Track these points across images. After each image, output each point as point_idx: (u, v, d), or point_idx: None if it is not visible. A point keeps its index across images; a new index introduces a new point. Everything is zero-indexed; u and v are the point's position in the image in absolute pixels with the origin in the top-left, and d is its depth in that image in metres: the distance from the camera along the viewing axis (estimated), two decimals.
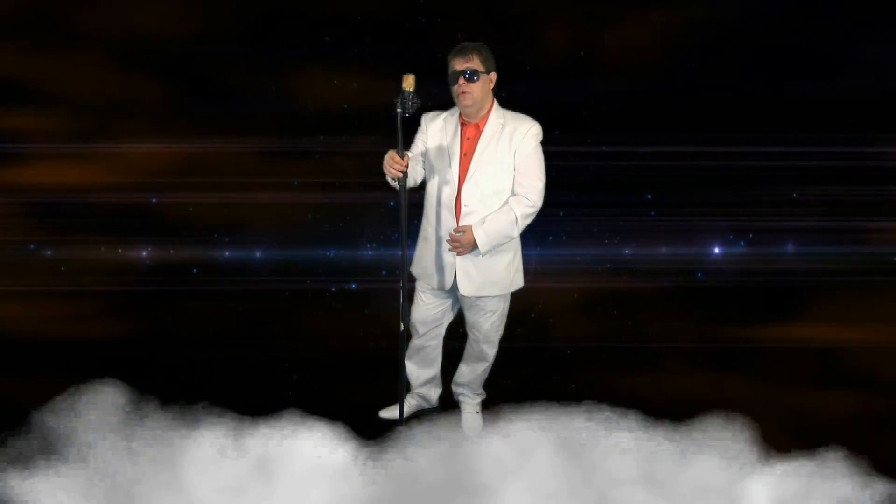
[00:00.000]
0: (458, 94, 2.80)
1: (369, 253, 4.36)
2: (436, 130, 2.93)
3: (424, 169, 2.95)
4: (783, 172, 4.23)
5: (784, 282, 4.24)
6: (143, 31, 4.10)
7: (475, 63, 2.77)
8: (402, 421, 3.05)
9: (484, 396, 3.32)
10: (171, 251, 4.31)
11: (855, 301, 4.13)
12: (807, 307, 4.15)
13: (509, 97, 2.99)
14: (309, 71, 4.18)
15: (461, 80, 2.76)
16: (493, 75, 2.84)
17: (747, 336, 4.01)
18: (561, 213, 4.23)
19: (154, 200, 4.25)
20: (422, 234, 3.03)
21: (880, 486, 2.72)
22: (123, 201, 4.24)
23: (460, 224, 2.86)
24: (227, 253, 4.34)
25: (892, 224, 4.25)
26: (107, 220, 4.26)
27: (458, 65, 2.77)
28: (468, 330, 3.14)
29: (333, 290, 4.34)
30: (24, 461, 2.81)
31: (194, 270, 4.29)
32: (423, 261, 3.02)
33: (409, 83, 2.67)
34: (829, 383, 3.62)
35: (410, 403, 3.28)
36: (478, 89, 2.78)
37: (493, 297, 2.98)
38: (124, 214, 4.27)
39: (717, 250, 4.35)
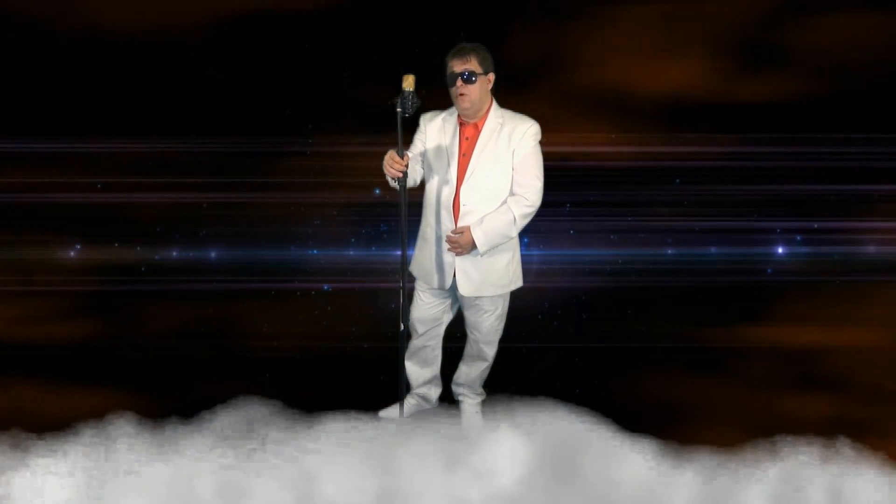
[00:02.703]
0: (456, 96, 2.80)
1: (365, 253, 4.31)
2: (434, 131, 2.93)
3: (423, 169, 2.94)
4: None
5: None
6: (104, 23, 3.99)
7: (473, 65, 2.76)
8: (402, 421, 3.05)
9: (484, 396, 3.32)
10: (138, 248, 4.21)
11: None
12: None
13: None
14: (305, 65, 4.11)
15: (459, 82, 2.76)
16: (492, 75, 2.83)
17: (755, 337, 3.97)
18: (567, 207, 4.20)
19: (104, 190, 4.14)
20: (421, 234, 3.03)
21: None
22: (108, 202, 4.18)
23: (459, 224, 2.86)
24: (213, 253, 4.26)
25: None
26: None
27: (456, 66, 2.77)
28: (467, 330, 3.13)
29: (322, 290, 4.28)
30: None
31: (142, 269, 4.17)
32: (422, 260, 3.02)
33: (408, 83, 2.67)
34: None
35: (410, 403, 3.28)
36: (476, 91, 2.77)
37: (493, 296, 2.97)
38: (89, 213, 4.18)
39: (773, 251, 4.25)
